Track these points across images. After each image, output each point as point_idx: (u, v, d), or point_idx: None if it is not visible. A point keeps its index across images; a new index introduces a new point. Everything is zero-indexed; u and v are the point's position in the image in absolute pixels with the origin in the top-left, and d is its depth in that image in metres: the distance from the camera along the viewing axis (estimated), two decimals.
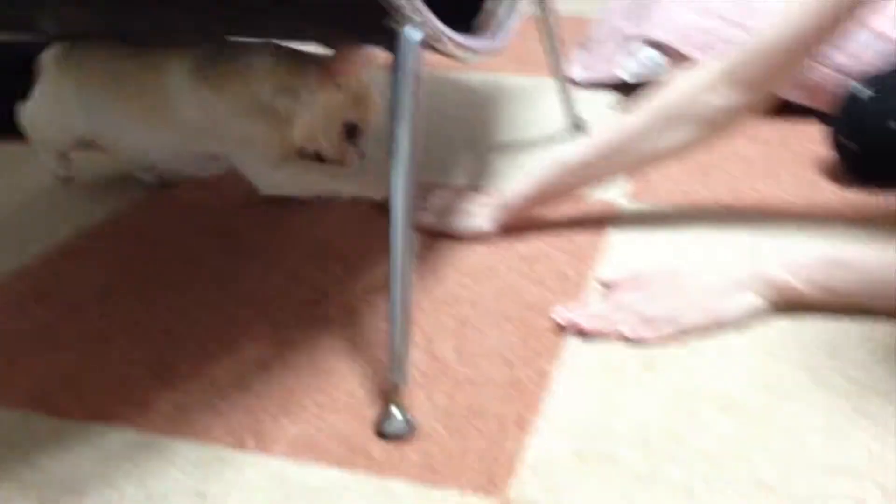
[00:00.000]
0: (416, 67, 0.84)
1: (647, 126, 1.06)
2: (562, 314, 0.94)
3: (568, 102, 1.51)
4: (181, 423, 0.80)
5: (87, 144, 1.20)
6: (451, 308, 0.98)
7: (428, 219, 1.14)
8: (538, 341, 0.91)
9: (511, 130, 1.53)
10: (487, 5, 1.16)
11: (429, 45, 0.89)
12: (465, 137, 1.50)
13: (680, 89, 1.05)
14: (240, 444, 0.77)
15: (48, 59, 1.18)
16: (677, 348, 0.89)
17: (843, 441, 0.76)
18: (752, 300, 0.92)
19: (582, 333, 0.92)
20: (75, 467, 0.74)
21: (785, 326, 0.91)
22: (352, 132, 1.09)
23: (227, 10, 0.97)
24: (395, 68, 0.83)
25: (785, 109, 1.38)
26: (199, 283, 1.04)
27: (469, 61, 1.05)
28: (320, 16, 0.94)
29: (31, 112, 1.22)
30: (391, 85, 0.83)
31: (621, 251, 1.09)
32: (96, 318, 0.96)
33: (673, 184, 1.26)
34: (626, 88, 1.63)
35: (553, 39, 1.45)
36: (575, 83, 1.68)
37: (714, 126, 1.04)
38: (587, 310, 0.95)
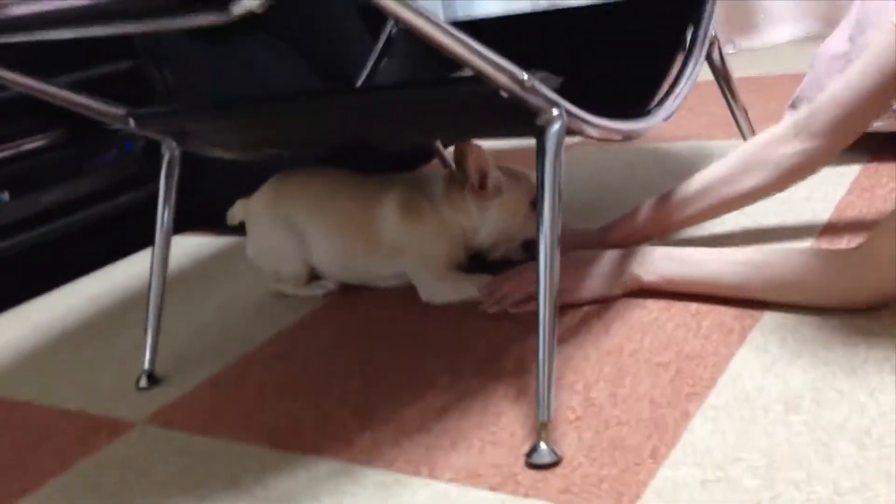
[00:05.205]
0: (558, 155, 0.98)
1: (729, 172, 1.19)
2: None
3: None
4: (373, 455, 0.98)
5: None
6: (615, 358, 1.08)
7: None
8: (688, 386, 0.99)
9: None
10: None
11: (575, 132, 1.03)
12: None
13: (758, 141, 1.18)
14: (415, 472, 0.93)
15: (258, 204, 1.41)
16: (824, 390, 0.93)
17: None
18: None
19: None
20: (291, 488, 0.95)
21: None
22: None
23: (424, 125, 1.23)
24: (539, 156, 0.98)
25: None
26: (396, 341, 1.24)
27: (631, 139, 1.18)
28: (484, 121, 1.14)
29: (257, 251, 1.43)
30: (538, 171, 0.98)
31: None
32: (322, 373, 1.18)
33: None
34: None
35: (735, 102, 1.52)
36: None
37: (787, 173, 1.15)
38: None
